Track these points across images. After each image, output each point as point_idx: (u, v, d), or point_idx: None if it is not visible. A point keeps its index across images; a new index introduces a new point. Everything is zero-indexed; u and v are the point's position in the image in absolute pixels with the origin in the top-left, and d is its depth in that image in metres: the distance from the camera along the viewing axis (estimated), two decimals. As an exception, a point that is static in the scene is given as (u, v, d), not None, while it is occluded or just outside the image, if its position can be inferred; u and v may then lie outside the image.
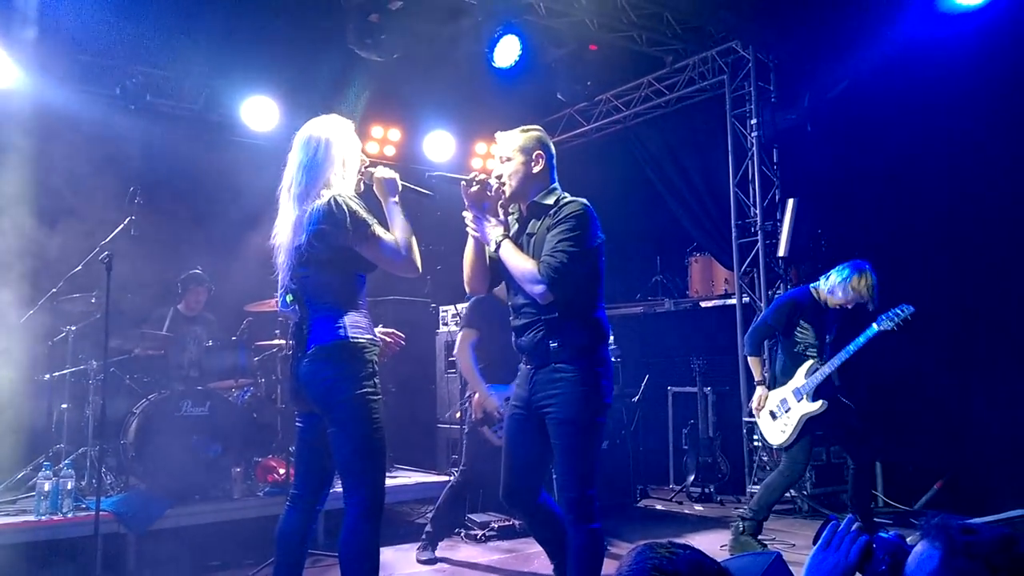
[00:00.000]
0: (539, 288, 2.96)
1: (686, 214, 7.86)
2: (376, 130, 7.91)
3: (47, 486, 4.56)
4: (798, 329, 4.89)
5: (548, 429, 3.07)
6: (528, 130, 3.22)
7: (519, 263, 3.02)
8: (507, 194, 3.14)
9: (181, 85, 6.94)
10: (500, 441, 5.03)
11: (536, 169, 3.13)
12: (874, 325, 4.58)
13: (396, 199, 3.10)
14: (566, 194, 3.16)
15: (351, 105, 6.92)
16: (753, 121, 7.11)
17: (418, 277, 3.20)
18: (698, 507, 6.62)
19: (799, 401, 4.80)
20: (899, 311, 4.54)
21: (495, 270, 3.24)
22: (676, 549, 1.38)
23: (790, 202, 6.79)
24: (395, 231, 3.03)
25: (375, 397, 2.97)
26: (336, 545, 4.95)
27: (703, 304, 7.75)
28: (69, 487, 4.66)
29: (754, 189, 7.16)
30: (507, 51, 6.16)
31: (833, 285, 4.80)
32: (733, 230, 7.27)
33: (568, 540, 3.09)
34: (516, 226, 3.21)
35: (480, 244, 3.19)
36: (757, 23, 6.68)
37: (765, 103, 7.09)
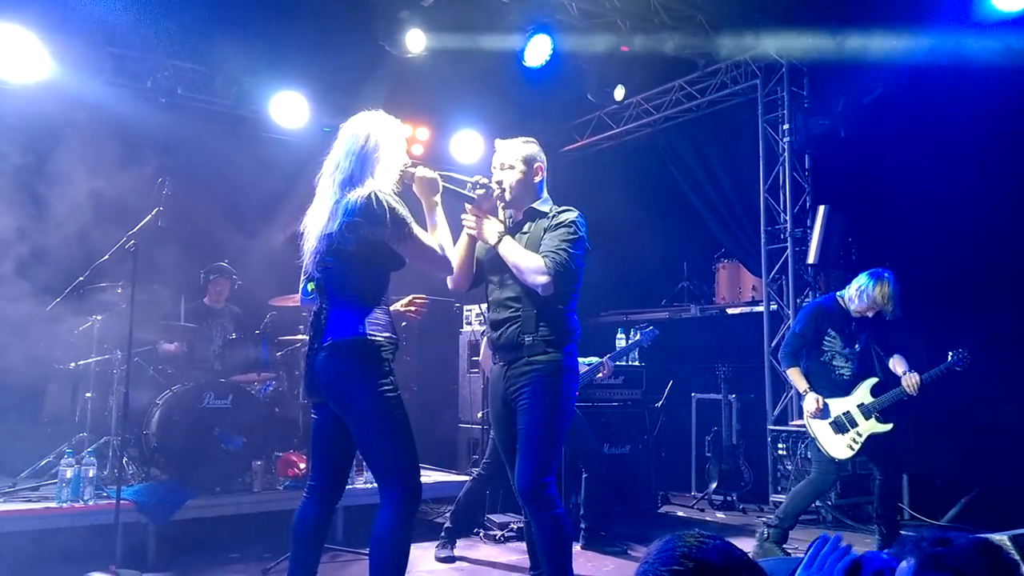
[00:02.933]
0: (544, 279, 3.14)
1: (714, 219, 7.79)
2: (404, 128, 7.90)
3: (69, 473, 4.58)
4: (826, 337, 4.84)
5: (517, 417, 3.23)
6: (529, 142, 3.44)
7: (523, 256, 3.21)
8: (507, 199, 3.35)
9: (212, 80, 6.98)
10: None
11: (536, 179, 3.38)
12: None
13: (437, 199, 3.13)
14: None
15: (379, 102, 6.91)
16: (785, 127, 7.03)
17: (449, 275, 3.25)
18: (720, 515, 6.54)
19: (867, 419, 4.71)
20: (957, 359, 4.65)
21: (479, 271, 3.46)
22: (705, 538, 1.36)
23: (821, 209, 6.70)
24: (435, 231, 3.08)
25: (393, 394, 2.94)
26: (355, 541, 5.00)
27: (730, 311, 7.67)
28: (91, 475, 4.68)
29: (784, 195, 7.07)
30: (538, 51, 6.14)
31: (853, 294, 4.80)
32: (762, 236, 7.18)
33: (533, 528, 3.27)
34: (511, 225, 3.42)
35: (471, 244, 3.39)
36: (791, 27, 6.60)
37: (798, 108, 7.01)
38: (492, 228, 3.28)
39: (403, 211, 2.94)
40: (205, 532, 4.88)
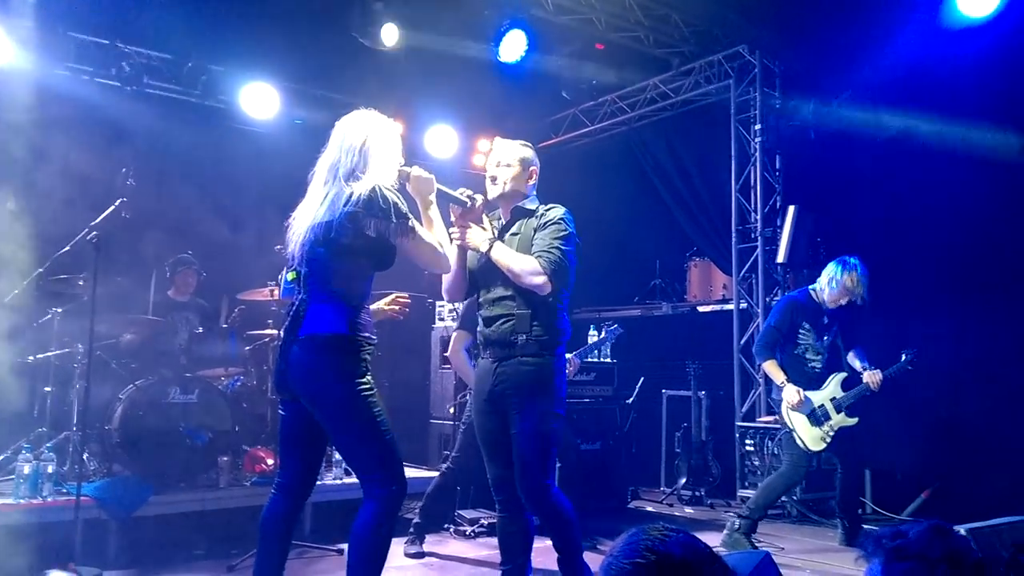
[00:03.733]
0: (541, 279, 3.20)
1: (686, 218, 7.84)
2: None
3: (27, 469, 4.46)
4: (800, 331, 4.94)
5: (509, 419, 3.27)
6: (527, 145, 3.54)
7: (517, 259, 3.26)
8: (501, 193, 3.42)
9: (180, 69, 6.86)
10: None
11: (529, 182, 3.47)
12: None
13: (432, 198, 3.13)
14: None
15: (352, 95, 6.84)
16: (757, 127, 7.09)
17: (447, 272, 3.28)
18: (688, 510, 6.60)
19: (838, 413, 4.82)
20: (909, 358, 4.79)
21: (471, 276, 3.50)
22: (669, 531, 1.37)
23: (791, 209, 6.77)
24: (432, 229, 3.08)
25: (370, 392, 2.89)
26: (322, 537, 4.94)
27: (701, 308, 7.73)
28: (50, 471, 4.56)
29: (755, 195, 7.13)
30: (513, 46, 6.12)
31: (824, 284, 4.91)
32: (733, 235, 7.24)
33: (541, 522, 3.36)
34: (499, 227, 3.49)
35: (462, 256, 3.43)
36: (764, 29, 6.66)
37: (770, 109, 7.08)
38: (480, 236, 3.33)
39: (405, 207, 2.94)
40: (169, 529, 4.79)
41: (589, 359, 6.27)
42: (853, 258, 4.89)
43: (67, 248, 4.99)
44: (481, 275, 3.45)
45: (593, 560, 3.10)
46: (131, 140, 6.23)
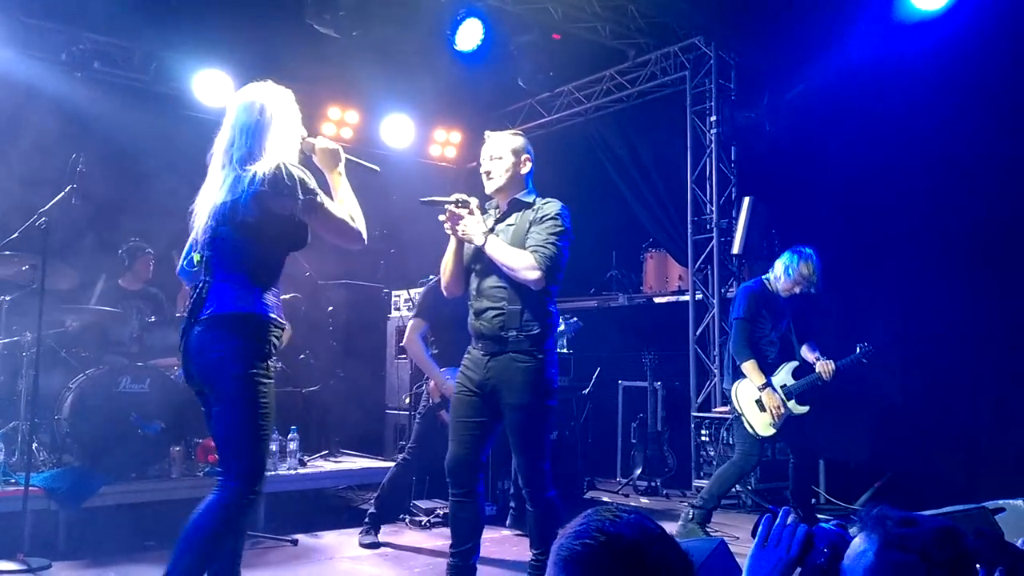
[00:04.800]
0: (536, 275, 3.23)
1: (643, 209, 7.89)
2: (333, 111, 7.79)
3: (-26, 459, 4.38)
4: (758, 319, 4.96)
5: (504, 413, 3.35)
6: (517, 134, 3.57)
7: (511, 254, 3.28)
8: (494, 187, 3.44)
9: (131, 55, 6.75)
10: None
11: (523, 171, 3.48)
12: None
13: (341, 169, 3.01)
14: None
15: (308, 83, 6.78)
16: (713, 118, 7.17)
17: (362, 251, 3.08)
18: (644, 500, 6.67)
19: (788, 400, 4.86)
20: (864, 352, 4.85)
21: (468, 272, 3.52)
22: (620, 513, 1.37)
23: (746, 200, 6.85)
24: (342, 202, 2.95)
25: (267, 380, 2.77)
26: (276, 528, 4.92)
27: (656, 300, 7.80)
28: (-2, 461, 4.48)
29: (711, 186, 7.22)
30: (469, 35, 6.12)
31: (780, 272, 4.95)
32: (689, 227, 7.32)
33: (529, 509, 3.45)
34: (494, 219, 3.51)
35: (459, 251, 3.48)
36: (720, 21, 6.74)
37: (725, 101, 7.16)
38: (476, 228, 3.34)
39: (312, 182, 2.81)
40: (120, 519, 4.73)
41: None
42: (808, 248, 4.94)
43: (15, 235, 4.88)
44: (471, 258, 3.48)
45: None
46: (81, 126, 6.11)
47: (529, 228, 3.34)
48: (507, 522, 5.37)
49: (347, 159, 3.06)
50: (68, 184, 4.75)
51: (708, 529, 4.95)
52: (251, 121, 2.84)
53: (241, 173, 2.78)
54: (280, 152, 2.83)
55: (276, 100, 2.91)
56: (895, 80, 5.95)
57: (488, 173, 3.45)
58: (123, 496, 4.81)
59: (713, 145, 7.20)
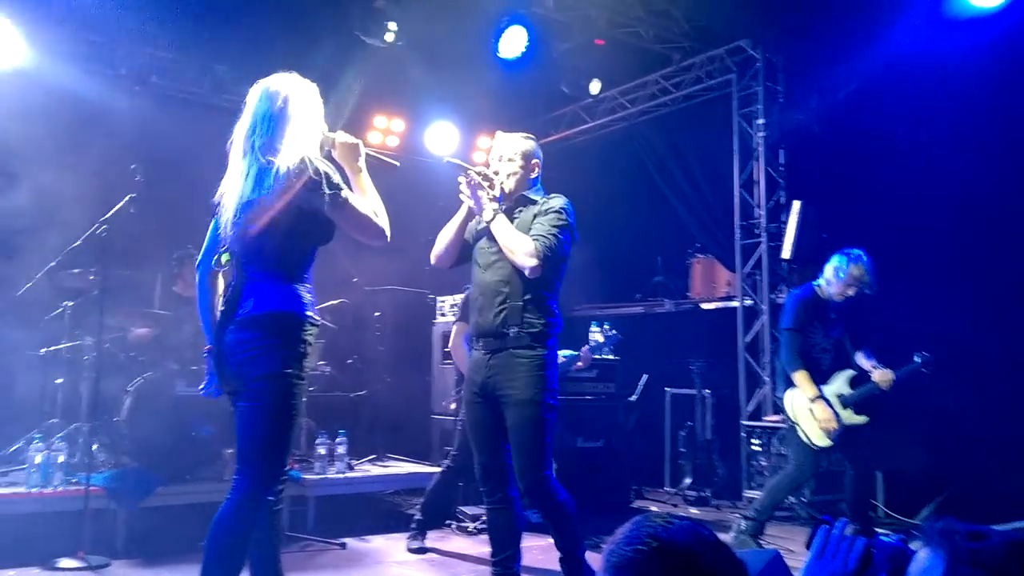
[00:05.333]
0: (533, 262, 3.20)
1: (689, 214, 7.83)
2: (379, 120, 7.90)
3: (38, 459, 4.54)
4: (809, 327, 4.84)
5: (504, 412, 3.29)
6: (529, 138, 3.54)
7: (514, 236, 3.26)
8: (505, 191, 3.42)
9: (186, 68, 6.94)
10: None
11: (532, 175, 3.47)
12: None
13: (361, 164, 2.93)
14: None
15: (355, 93, 6.89)
16: (760, 121, 7.08)
17: (383, 243, 2.97)
18: (693, 510, 6.56)
19: (844, 409, 4.73)
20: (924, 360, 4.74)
21: (464, 251, 3.51)
22: (672, 519, 1.34)
23: (796, 204, 6.75)
24: (364, 197, 2.88)
25: (300, 380, 2.73)
26: (325, 530, 4.99)
27: (704, 306, 7.71)
28: (60, 461, 4.64)
29: (759, 190, 7.13)
30: (513, 42, 6.15)
31: (831, 276, 4.82)
32: (737, 231, 7.24)
33: (542, 516, 3.42)
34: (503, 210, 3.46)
35: (463, 223, 3.45)
36: (767, 23, 6.67)
37: (773, 103, 7.07)
38: (488, 203, 3.32)
39: (336, 177, 2.76)
40: (175, 520, 4.84)
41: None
42: (857, 249, 4.83)
43: (78, 243, 5.07)
44: (477, 250, 3.45)
45: (597, 560, 3.07)
46: (140, 138, 6.29)
47: (533, 220, 3.33)
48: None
49: (367, 153, 2.99)
50: (127, 194, 4.92)
51: (761, 541, 4.85)
52: (274, 110, 2.78)
53: (264, 163, 2.71)
54: (302, 144, 2.77)
55: (300, 92, 2.86)
56: (948, 78, 5.79)
57: (497, 173, 3.43)
58: (177, 497, 4.93)
59: (761, 148, 7.11)
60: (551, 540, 5.13)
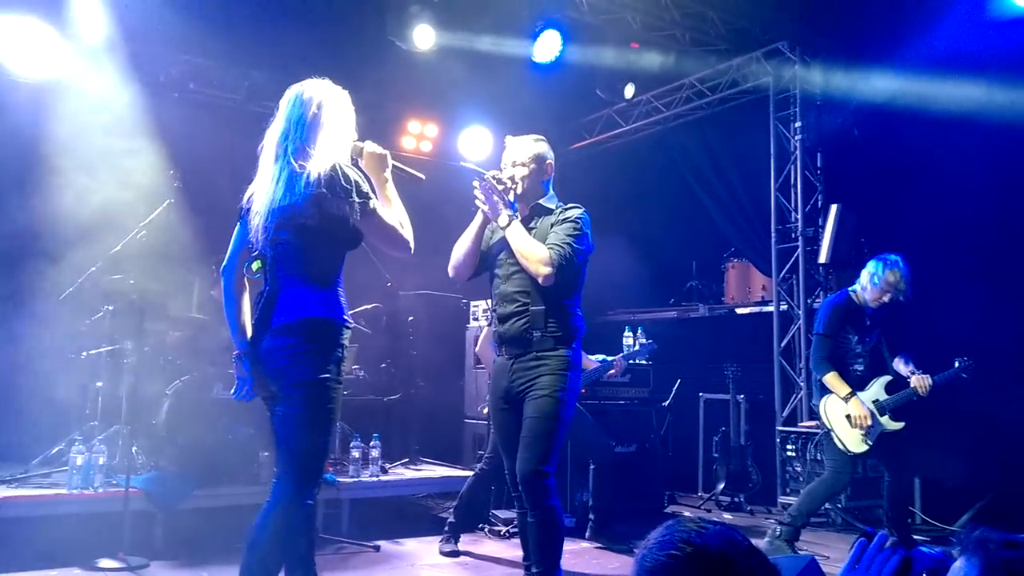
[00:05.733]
0: (547, 270, 3.19)
1: (724, 218, 7.77)
2: (413, 125, 7.94)
3: (80, 460, 4.62)
4: (843, 334, 4.81)
5: (524, 407, 3.27)
6: (540, 140, 3.49)
7: (529, 244, 3.25)
8: (518, 193, 3.39)
9: (223, 75, 7.04)
10: None
11: (544, 178, 3.44)
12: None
13: (388, 175, 2.93)
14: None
15: (389, 98, 6.94)
16: (797, 124, 7.01)
17: (407, 254, 2.96)
18: (727, 516, 6.51)
19: (881, 415, 4.69)
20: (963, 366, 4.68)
21: (482, 262, 3.48)
22: (706, 524, 1.32)
23: (833, 208, 6.67)
24: (391, 207, 2.88)
25: (337, 385, 2.75)
26: (359, 533, 5.01)
27: (739, 311, 7.65)
28: (101, 463, 4.71)
29: (796, 194, 7.05)
30: (547, 47, 6.16)
31: (866, 282, 4.79)
32: (773, 235, 7.16)
33: (528, 518, 3.26)
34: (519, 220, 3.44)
35: (479, 233, 3.43)
36: (805, 25, 6.60)
37: (810, 106, 7.00)
38: (503, 210, 3.30)
39: (366, 186, 2.78)
40: (212, 521, 4.90)
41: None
42: (894, 255, 4.79)
43: (118, 248, 5.17)
44: (495, 260, 3.42)
45: (629, 565, 3.00)
46: (178, 144, 6.38)
47: (550, 230, 3.32)
48: (587, 534, 5.33)
49: (393, 165, 2.99)
50: (166, 199, 5.00)
51: (796, 547, 4.80)
52: (307, 116, 2.79)
53: (296, 169, 2.72)
54: (334, 151, 2.78)
55: (333, 99, 2.86)
56: (990, 80, 5.68)
57: (511, 179, 3.39)
58: (215, 499, 4.98)
59: (798, 152, 7.03)
60: (583, 544, 5.20)
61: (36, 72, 6.02)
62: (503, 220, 3.28)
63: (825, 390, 4.81)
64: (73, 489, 4.59)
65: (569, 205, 3.41)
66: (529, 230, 3.35)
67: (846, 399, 4.65)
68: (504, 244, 3.35)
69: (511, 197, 3.37)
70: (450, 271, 3.51)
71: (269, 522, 2.72)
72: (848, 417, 4.68)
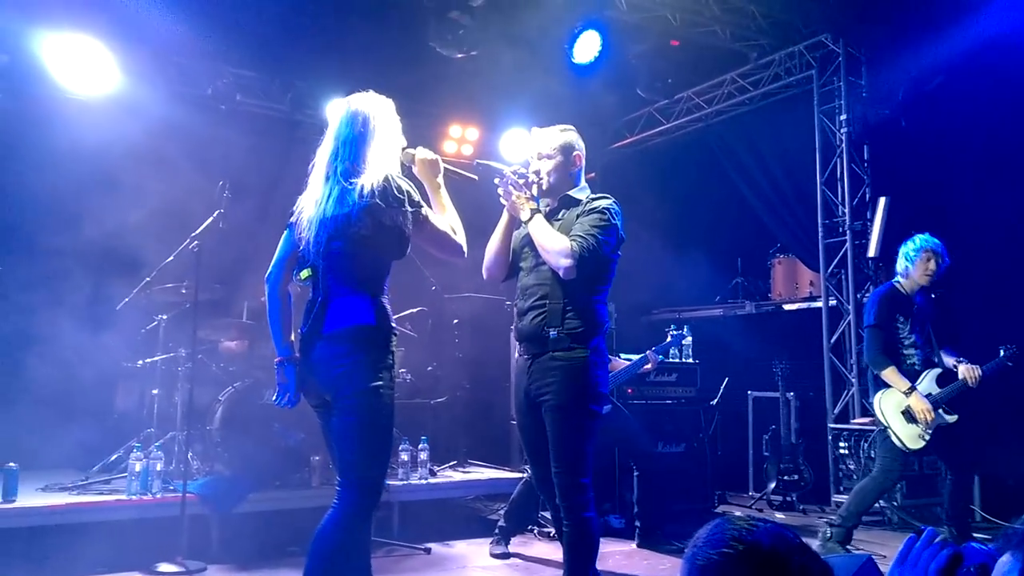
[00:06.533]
0: (567, 262, 3.02)
1: (769, 214, 7.67)
2: (454, 129, 7.97)
3: (138, 467, 4.74)
4: (895, 325, 4.73)
5: (544, 416, 3.13)
6: (567, 130, 3.33)
7: (551, 236, 3.10)
8: (544, 188, 3.24)
9: (268, 86, 7.16)
10: None
11: (574, 168, 3.28)
12: (1002, 352, 4.60)
13: (440, 180, 2.98)
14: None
15: (430, 104, 6.98)
16: (843, 117, 6.88)
17: (460, 258, 3.02)
18: (779, 515, 6.42)
19: (935, 409, 4.58)
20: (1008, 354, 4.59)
21: (514, 261, 3.33)
22: (756, 521, 1.31)
23: (881, 200, 6.56)
24: (443, 213, 2.93)
25: (391, 391, 2.79)
26: (410, 535, 5.06)
27: (786, 307, 7.54)
28: (158, 469, 4.84)
29: (843, 187, 6.93)
30: (587, 47, 6.13)
31: (903, 265, 4.76)
32: (820, 230, 7.05)
33: (567, 529, 3.12)
34: (546, 212, 3.30)
35: (507, 231, 3.30)
36: (848, 15, 6.48)
37: (856, 98, 6.87)
38: (525, 204, 3.18)
39: (417, 195, 2.82)
40: (266, 525, 5.00)
41: (671, 359, 6.22)
42: (925, 235, 4.77)
43: (171, 259, 5.29)
44: (521, 253, 3.30)
45: (679, 565, 2.94)
46: (227, 155, 6.49)
47: (576, 221, 3.14)
48: (635, 535, 5.29)
49: (446, 168, 3.01)
50: (216, 209, 5.10)
51: (850, 547, 4.71)
52: (354, 133, 2.83)
53: (347, 186, 2.77)
54: (384, 163, 2.82)
55: (378, 110, 2.89)
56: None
57: (537, 172, 3.25)
58: (268, 503, 5.08)
59: (844, 145, 6.91)
60: (632, 545, 5.17)
61: (89, 88, 6.18)
62: (525, 215, 3.16)
63: (878, 385, 4.72)
64: (132, 495, 4.72)
65: (598, 195, 3.24)
66: (556, 222, 3.20)
67: (907, 393, 4.55)
68: (529, 239, 3.21)
69: (535, 191, 3.25)
70: (483, 272, 3.41)
71: (333, 528, 2.75)
72: (905, 413, 4.58)
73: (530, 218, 3.15)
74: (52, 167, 5.85)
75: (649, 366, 5.41)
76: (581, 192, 3.29)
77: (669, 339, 5.73)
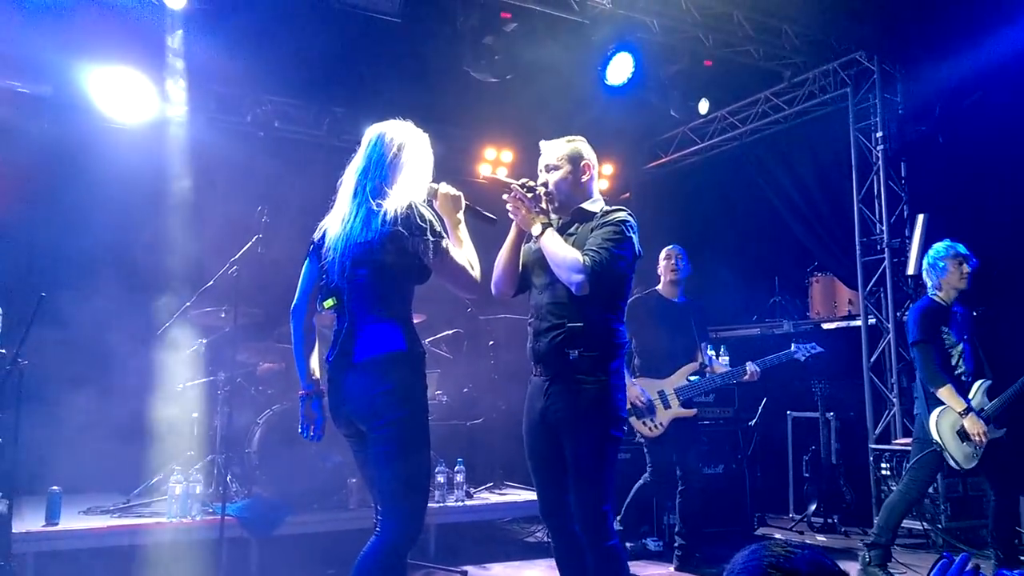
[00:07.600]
0: (579, 278, 2.90)
1: (806, 232, 7.60)
2: (489, 152, 8.03)
3: (178, 490, 4.80)
4: (940, 337, 4.65)
5: (562, 442, 3.01)
6: (574, 140, 3.20)
7: (563, 250, 2.97)
8: (554, 200, 3.12)
9: (306, 113, 7.28)
10: (652, 431, 5.10)
11: (584, 179, 3.14)
12: None
13: (461, 216, 2.95)
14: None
15: (466, 128, 7.03)
16: (879, 134, 6.81)
17: (474, 295, 3.01)
18: (820, 537, 6.31)
19: (986, 425, 4.48)
20: None
21: (524, 276, 3.21)
22: (794, 548, 1.28)
23: (920, 218, 6.45)
24: (461, 247, 2.90)
25: (426, 415, 2.81)
26: (447, 558, 5.04)
27: (825, 326, 7.44)
28: (198, 492, 4.89)
29: (880, 205, 6.84)
30: (620, 69, 6.15)
31: (935, 277, 4.71)
32: (857, 248, 6.96)
33: (586, 559, 2.99)
34: (558, 226, 3.18)
35: (516, 245, 3.18)
36: (883, 33, 6.42)
37: (892, 115, 6.79)
38: (535, 218, 3.07)
39: (439, 225, 2.82)
40: (304, 547, 5.02)
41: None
42: (946, 240, 4.77)
43: (210, 283, 5.38)
44: (534, 271, 3.16)
45: None
46: (265, 180, 6.60)
47: (590, 235, 3.01)
48: (674, 559, 5.23)
49: (467, 207, 2.99)
50: (255, 235, 5.18)
51: (892, 571, 4.62)
52: (388, 156, 2.85)
53: (373, 207, 2.78)
54: (410, 191, 2.83)
55: (414, 141, 2.92)
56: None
57: (545, 185, 3.12)
58: (306, 525, 5.10)
59: (880, 162, 6.83)
60: (671, 568, 5.09)
61: (132, 117, 6.34)
62: (536, 230, 3.04)
63: (933, 403, 4.59)
64: (172, 518, 4.77)
65: (613, 208, 3.11)
66: (569, 237, 3.07)
67: (963, 414, 4.44)
68: (541, 254, 3.08)
69: (544, 205, 3.12)
70: (492, 289, 3.26)
71: (376, 556, 2.73)
72: (959, 433, 4.49)
73: (541, 232, 3.03)
74: (93, 193, 5.99)
75: (747, 376, 5.33)
76: (594, 204, 3.14)
77: (793, 347, 5.59)
